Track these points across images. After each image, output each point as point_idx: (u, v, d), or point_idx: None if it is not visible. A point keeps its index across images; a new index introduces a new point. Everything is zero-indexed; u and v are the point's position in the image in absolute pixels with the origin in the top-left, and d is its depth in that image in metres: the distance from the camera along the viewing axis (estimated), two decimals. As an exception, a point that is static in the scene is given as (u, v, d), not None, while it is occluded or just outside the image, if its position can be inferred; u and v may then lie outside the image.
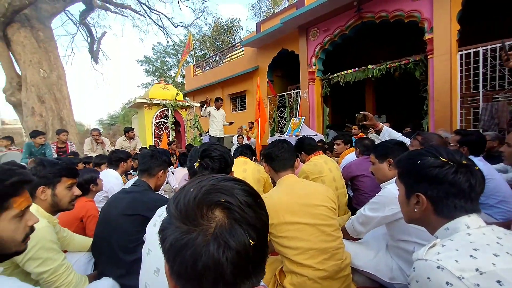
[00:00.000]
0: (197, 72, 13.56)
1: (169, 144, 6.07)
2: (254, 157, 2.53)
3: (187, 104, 7.88)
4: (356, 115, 2.22)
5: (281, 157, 1.42)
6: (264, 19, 9.02)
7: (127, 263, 1.30)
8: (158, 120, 7.48)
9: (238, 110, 11.00)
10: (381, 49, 7.87)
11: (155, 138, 7.33)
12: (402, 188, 0.85)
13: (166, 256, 0.42)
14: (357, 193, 2.42)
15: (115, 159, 2.78)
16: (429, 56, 4.96)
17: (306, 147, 2.32)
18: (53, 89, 7.24)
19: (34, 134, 4.53)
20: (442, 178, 0.72)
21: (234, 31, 20.85)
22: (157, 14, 10.23)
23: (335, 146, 3.36)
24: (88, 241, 1.61)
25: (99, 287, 1.24)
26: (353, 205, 2.47)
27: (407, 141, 1.96)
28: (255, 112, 6.27)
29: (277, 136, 7.62)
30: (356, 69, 6.37)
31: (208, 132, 7.28)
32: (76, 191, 1.39)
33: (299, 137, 3.09)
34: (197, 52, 20.05)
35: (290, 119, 7.35)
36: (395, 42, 7.70)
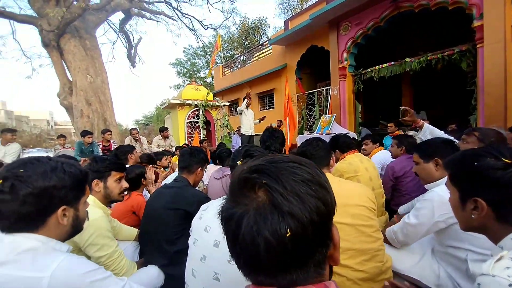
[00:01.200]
0: (225, 72, 13.85)
1: (201, 142, 6.30)
2: (283, 148, 2.44)
3: (217, 103, 8.12)
4: (401, 108, 2.10)
5: (316, 155, 1.40)
6: (293, 16, 8.90)
7: (171, 253, 1.40)
8: (190, 120, 7.81)
9: (266, 109, 11.01)
10: (419, 41, 7.28)
11: (187, 137, 7.66)
12: (455, 192, 0.77)
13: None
14: (398, 193, 2.30)
15: (122, 154, 2.75)
16: (478, 45, 4.47)
17: (340, 145, 2.25)
18: (98, 93, 7.97)
19: (84, 133, 5.05)
20: (507, 182, 0.65)
21: (262, 30, 20.89)
22: (188, 17, 10.68)
23: (363, 147, 3.33)
24: (133, 231, 1.76)
25: (147, 274, 1.35)
26: (391, 206, 2.35)
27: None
28: (284, 110, 6.23)
29: (306, 134, 7.49)
30: (392, 62, 6.00)
31: (236, 131, 7.43)
32: (124, 184, 1.52)
33: (329, 135, 3.02)
34: (225, 52, 20.47)
35: (320, 117, 7.18)
36: (435, 32, 7.08)
